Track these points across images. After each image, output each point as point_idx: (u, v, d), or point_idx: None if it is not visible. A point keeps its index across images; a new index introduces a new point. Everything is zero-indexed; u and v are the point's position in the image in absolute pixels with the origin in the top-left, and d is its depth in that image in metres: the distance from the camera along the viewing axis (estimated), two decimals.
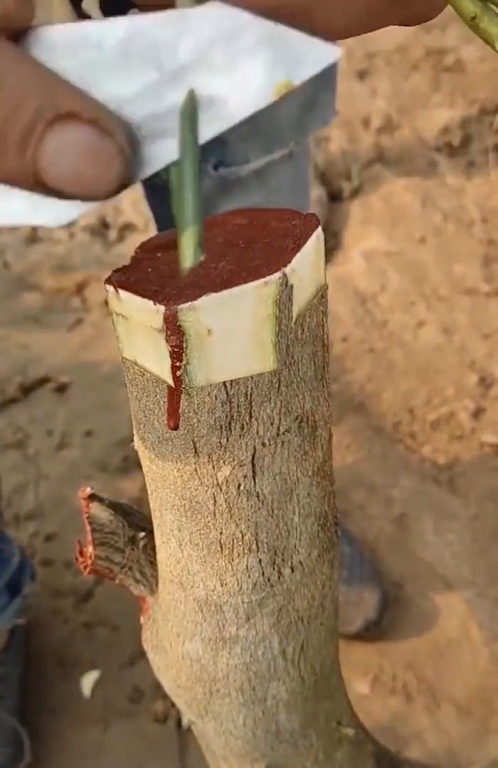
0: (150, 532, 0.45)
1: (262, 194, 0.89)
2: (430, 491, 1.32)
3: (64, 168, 0.23)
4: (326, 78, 0.91)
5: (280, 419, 0.36)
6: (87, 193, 0.24)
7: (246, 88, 0.25)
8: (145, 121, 0.25)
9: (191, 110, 0.25)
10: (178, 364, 0.33)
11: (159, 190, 0.96)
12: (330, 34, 0.28)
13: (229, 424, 0.35)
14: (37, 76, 0.23)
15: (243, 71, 0.24)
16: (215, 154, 0.84)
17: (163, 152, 0.25)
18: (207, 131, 0.25)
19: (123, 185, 0.24)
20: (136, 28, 0.24)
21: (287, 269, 0.32)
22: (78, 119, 0.23)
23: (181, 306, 0.31)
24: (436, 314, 1.59)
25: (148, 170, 0.25)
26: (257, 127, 0.85)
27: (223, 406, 0.34)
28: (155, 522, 0.43)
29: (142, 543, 0.46)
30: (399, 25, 0.31)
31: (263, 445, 0.36)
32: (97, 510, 0.44)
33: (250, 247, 0.34)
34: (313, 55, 0.24)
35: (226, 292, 0.31)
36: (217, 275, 0.32)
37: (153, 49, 0.25)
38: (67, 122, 0.23)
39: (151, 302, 0.32)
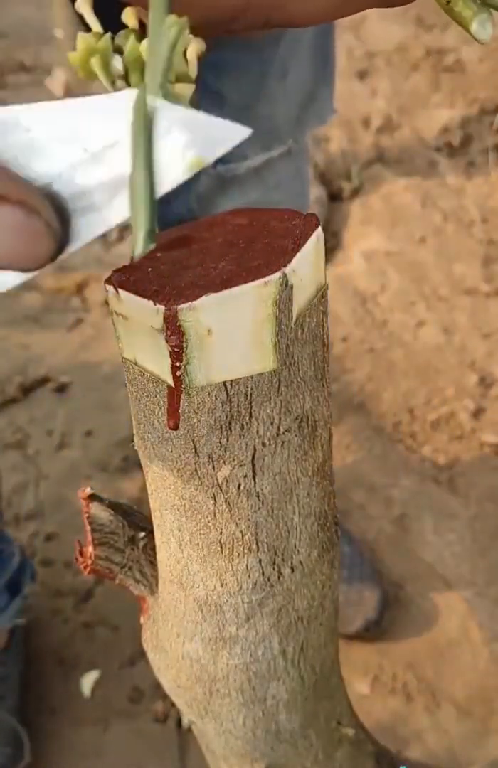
0: (150, 532, 0.45)
1: (260, 192, 0.89)
2: (430, 491, 1.32)
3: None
4: (324, 76, 0.91)
5: (280, 419, 0.36)
6: (20, 266, 0.25)
7: (162, 166, 0.27)
8: (74, 196, 0.27)
9: (145, 115, 0.27)
10: (178, 364, 0.33)
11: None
12: (304, 22, 0.29)
13: (229, 424, 0.35)
14: None
15: (159, 151, 0.27)
16: None
17: (92, 225, 0.27)
18: (124, 207, 0.27)
19: (53, 258, 0.26)
20: (61, 113, 0.27)
21: (287, 269, 0.32)
22: (6, 200, 0.24)
23: (181, 306, 0.31)
24: (436, 314, 1.59)
25: (79, 242, 0.27)
26: (255, 125, 0.85)
27: (223, 406, 0.34)
28: (155, 522, 0.43)
29: (142, 543, 0.46)
30: (378, 7, 0.31)
31: (263, 445, 0.36)
32: (97, 510, 0.44)
33: (250, 247, 0.34)
34: (224, 134, 0.27)
35: (226, 292, 0.31)
36: (217, 275, 0.32)
37: (77, 132, 0.27)
38: None
39: (151, 302, 0.32)
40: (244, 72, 0.82)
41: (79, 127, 0.27)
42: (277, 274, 0.32)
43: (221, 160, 0.85)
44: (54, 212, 0.26)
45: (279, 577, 0.42)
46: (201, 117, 0.27)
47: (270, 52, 0.82)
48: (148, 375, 0.35)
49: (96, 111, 0.27)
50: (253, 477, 0.37)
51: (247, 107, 0.83)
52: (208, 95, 0.80)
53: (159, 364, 0.33)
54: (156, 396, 0.35)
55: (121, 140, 0.27)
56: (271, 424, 0.36)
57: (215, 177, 0.85)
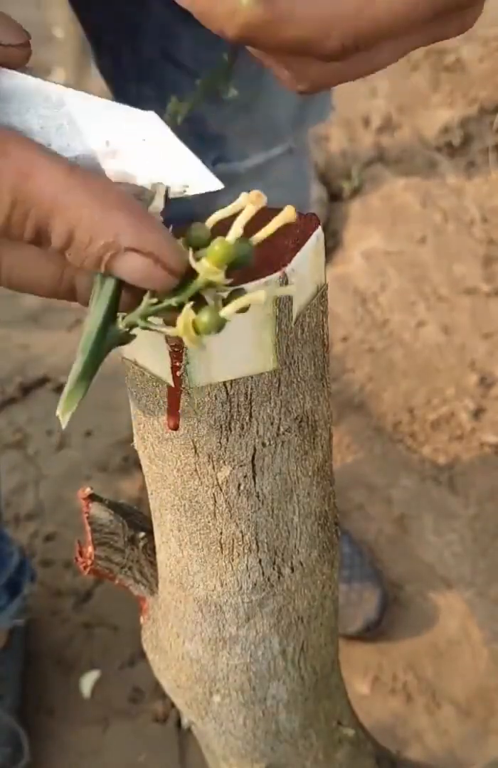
0: (150, 532, 0.45)
1: (261, 190, 0.89)
2: (430, 491, 1.32)
3: (132, 280, 0.28)
4: None
5: (280, 419, 0.36)
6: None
7: (189, 174, 0.31)
8: None
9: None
10: (178, 364, 0.32)
11: None
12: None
13: (229, 424, 0.35)
14: (93, 204, 0.27)
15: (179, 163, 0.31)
16: (214, 150, 0.84)
17: None
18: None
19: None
20: (98, 105, 0.30)
21: (287, 269, 0.32)
22: (139, 253, 0.27)
23: None
24: (436, 314, 1.59)
25: None
26: (255, 124, 0.85)
27: (223, 406, 0.34)
28: (155, 522, 0.42)
29: (142, 543, 0.46)
30: (426, 44, 0.32)
31: (263, 445, 0.36)
32: (97, 510, 0.44)
33: None
34: (201, 180, 0.31)
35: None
36: None
37: (105, 125, 0.30)
38: (128, 255, 0.27)
39: None
40: (243, 70, 0.82)
41: (109, 122, 0.30)
42: (277, 274, 0.32)
43: (222, 159, 0.85)
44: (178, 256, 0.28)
45: (279, 577, 0.42)
46: (193, 158, 0.31)
47: None
48: (148, 375, 0.35)
49: (124, 113, 0.30)
50: (253, 477, 0.37)
51: (245, 106, 0.83)
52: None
53: (159, 364, 0.33)
54: (156, 396, 0.35)
55: (137, 147, 0.30)
56: (271, 424, 0.36)
57: (216, 176, 0.85)
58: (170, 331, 0.29)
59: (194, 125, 0.94)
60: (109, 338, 0.29)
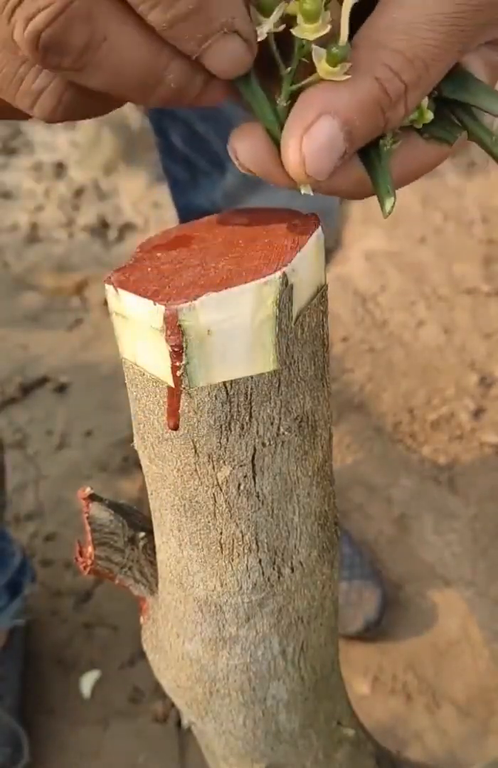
0: (150, 532, 0.45)
1: (289, 192, 0.89)
2: (430, 491, 1.32)
3: (219, 65, 0.29)
4: None
5: (280, 419, 0.36)
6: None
7: None
8: None
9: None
10: (178, 364, 0.32)
11: (179, 183, 0.97)
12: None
13: (229, 424, 0.35)
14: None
15: None
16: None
17: None
18: None
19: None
20: None
21: (287, 269, 0.32)
22: (241, 37, 0.28)
23: (181, 306, 0.31)
24: (436, 314, 1.59)
25: None
26: None
27: (223, 406, 0.34)
28: (155, 522, 0.42)
29: (142, 543, 0.46)
30: None
31: (263, 445, 0.36)
32: (97, 510, 0.44)
33: (250, 247, 0.34)
34: None
35: (226, 292, 0.31)
36: (217, 275, 0.32)
37: None
38: (232, 37, 0.28)
39: (151, 302, 0.31)
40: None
41: None
42: (277, 274, 0.32)
43: None
44: None
45: (279, 577, 0.42)
46: None
47: None
48: (148, 375, 0.35)
49: None
50: (253, 477, 0.37)
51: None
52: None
53: (159, 364, 0.33)
54: (156, 396, 0.35)
55: None
56: (271, 424, 0.36)
57: (242, 175, 0.85)
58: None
59: (204, 144, 0.95)
60: (279, 115, 0.31)
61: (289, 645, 0.45)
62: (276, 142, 0.31)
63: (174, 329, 0.31)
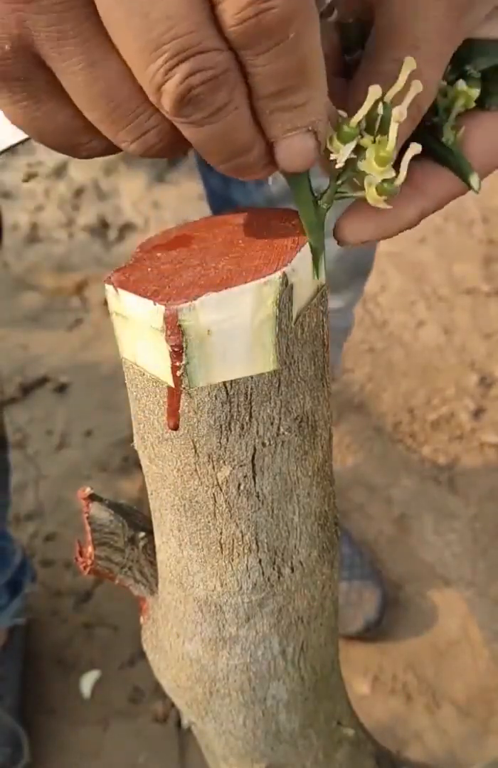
0: (150, 532, 0.45)
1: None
2: (430, 491, 1.32)
3: (289, 155, 0.30)
4: None
5: (280, 419, 0.36)
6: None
7: None
8: None
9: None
10: (178, 364, 0.32)
11: (216, 194, 0.97)
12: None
13: (229, 424, 0.35)
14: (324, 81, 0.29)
15: None
16: None
17: None
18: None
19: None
20: None
21: (287, 269, 0.32)
22: (313, 137, 0.30)
23: (181, 306, 0.31)
24: (436, 314, 1.59)
25: None
26: None
27: (223, 406, 0.34)
28: (155, 522, 0.42)
29: (142, 543, 0.46)
30: None
31: (263, 445, 0.36)
32: (97, 510, 0.44)
33: (250, 247, 0.34)
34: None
35: (226, 292, 0.31)
36: (217, 275, 0.32)
37: None
38: (307, 135, 0.30)
39: (151, 302, 0.31)
40: None
41: None
42: (277, 274, 0.32)
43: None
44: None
45: (279, 577, 0.42)
46: None
47: None
48: (148, 375, 0.35)
49: None
50: (253, 477, 0.37)
51: None
52: None
53: (159, 364, 0.33)
54: (156, 396, 0.35)
55: None
56: (271, 424, 0.36)
57: (283, 185, 0.86)
58: (360, 194, 0.34)
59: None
60: (319, 216, 0.34)
61: (289, 645, 0.45)
62: (312, 236, 0.34)
63: (174, 329, 0.31)
